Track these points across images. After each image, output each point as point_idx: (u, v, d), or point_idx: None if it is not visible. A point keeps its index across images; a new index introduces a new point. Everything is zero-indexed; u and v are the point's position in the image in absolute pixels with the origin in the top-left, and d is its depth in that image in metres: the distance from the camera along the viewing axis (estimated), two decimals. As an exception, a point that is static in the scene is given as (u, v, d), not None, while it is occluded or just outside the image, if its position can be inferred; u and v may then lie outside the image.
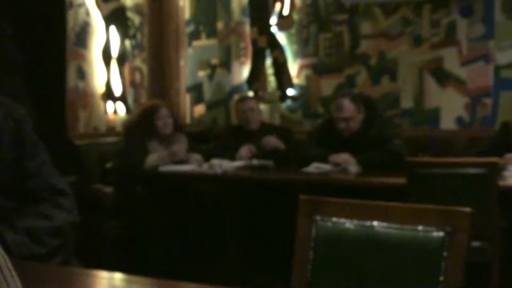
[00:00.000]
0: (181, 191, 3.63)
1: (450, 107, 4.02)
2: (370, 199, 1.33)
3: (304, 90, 4.52)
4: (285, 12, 4.52)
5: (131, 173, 3.56)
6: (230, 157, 3.60)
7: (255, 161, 3.56)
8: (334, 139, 3.43)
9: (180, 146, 3.68)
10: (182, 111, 4.93)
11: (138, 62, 4.82)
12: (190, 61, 4.99)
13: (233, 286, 1.11)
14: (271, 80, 4.64)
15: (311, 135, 3.69)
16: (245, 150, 3.68)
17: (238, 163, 3.54)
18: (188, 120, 4.95)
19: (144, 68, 4.85)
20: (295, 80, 4.54)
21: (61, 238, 1.42)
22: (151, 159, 3.54)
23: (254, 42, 4.63)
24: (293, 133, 3.97)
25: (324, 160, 3.31)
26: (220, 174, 3.32)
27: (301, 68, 4.53)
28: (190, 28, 4.97)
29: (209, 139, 4.38)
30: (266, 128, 3.88)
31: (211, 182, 3.51)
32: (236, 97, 4.43)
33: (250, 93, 4.68)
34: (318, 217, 1.32)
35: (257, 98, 4.53)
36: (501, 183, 2.65)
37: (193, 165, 3.55)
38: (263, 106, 4.62)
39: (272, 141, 3.70)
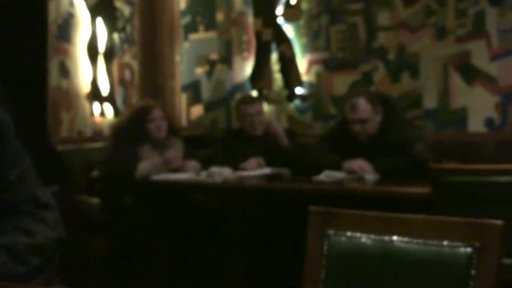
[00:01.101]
0: (177, 202, 3.64)
1: (479, 107, 4.01)
2: (389, 211, 1.33)
3: (314, 89, 4.52)
4: (293, 1, 4.53)
5: (121, 182, 3.57)
6: (231, 163, 3.60)
7: (267, 170, 3.56)
8: (349, 143, 3.43)
9: (175, 152, 3.69)
10: (178, 113, 4.94)
11: (128, 58, 4.83)
12: (186, 57, 5.00)
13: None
14: (277, 78, 4.64)
15: (323, 139, 3.68)
16: (252, 164, 3.68)
17: (247, 173, 3.55)
18: (184, 122, 4.96)
19: (135, 65, 4.86)
20: (304, 78, 4.54)
21: (44, 256, 1.42)
22: (143, 166, 3.55)
23: (258, 35, 4.64)
24: (300, 137, 3.98)
25: (337, 167, 3.31)
26: (220, 183, 3.32)
27: (311, 64, 4.53)
28: (186, 20, 4.99)
29: (207, 143, 4.38)
30: (270, 133, 3.88)
31: (210, 192, 3.52)
32: (239, 97, 4.43)
33: (254, 92, 4.68)
34: (330, 231, 1.33)
35: (262, 97, 4.54)
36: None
37: (190, 173, 3.55)
38: (268, 107, 4.62)
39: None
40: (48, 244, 1.42)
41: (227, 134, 4.19)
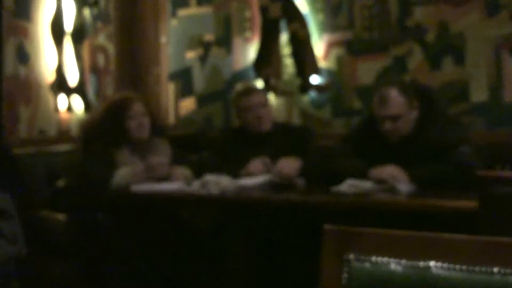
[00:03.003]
0: (163, 220, 3.64)
1: (540, 101, 4.02)
2: (426, 229, 1.33)
3: (334, 78, 4.52)
4: (307, -32, 4.55)
5: (92, 194, 3.57)
6: (230, 170, 3.60)
7: (276, 177, 3.57)
8: (377, 146, 3.43)
9: (161, 156, 3.69)
10: (164, 107, 4.95)
11: (101, 39, 4.84)
12: (174, 38, 5.01)
13: None
14: (288, 64, 4.65)
15: (344, 141, 3.69)
16: (256, 165, 3.68)
17: (249, 181, 3.54)
18: (171, 119, 4.97)
19: (111, 48, 4.87)
20: (322, 64, 4.55)
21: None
22: (121, 175, 3.55)
23: (264, 11, 4.65)
24: (317, 137, 3.98)
25: (363, 175, 3.31)
26: (217, 195, 3.31)
27: (330, 46, 4.54)
28: (175, -8, 5.02)
29: (201, 146, 4.38)
30: (280, 131, 3.88)
31: (204, 207, 3.51)
32: (239, 88, 4.44)
33: (259, 82, 4.68)
34: (351, 256, 1.32)
35: (269, 88, 4.54)
36: None
37: (179, 183, 3.55)
38: (276, 100, 4.62)
39: (288, 168, 3.66)
40: (5, 262, 1.41)
41: (225, 133, 4.19)
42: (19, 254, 1.46)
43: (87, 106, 4.63)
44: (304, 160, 3.65)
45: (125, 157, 3.67)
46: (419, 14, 4.29)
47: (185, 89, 4.98)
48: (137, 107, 3.73)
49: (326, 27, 4.55)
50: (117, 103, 3.78)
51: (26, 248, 1.48)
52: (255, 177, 3.60)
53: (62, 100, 4.52)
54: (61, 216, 3.69)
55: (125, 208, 3.60)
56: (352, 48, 4.47)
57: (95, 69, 4.81)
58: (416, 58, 4.30)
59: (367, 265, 1.31)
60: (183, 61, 4.98)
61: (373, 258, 1.31)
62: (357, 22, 4.46)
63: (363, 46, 4.44)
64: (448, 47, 4.22)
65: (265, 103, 3.89)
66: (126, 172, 3.57)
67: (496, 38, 4.11)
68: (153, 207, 3.60)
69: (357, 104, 4.44)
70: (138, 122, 3.70)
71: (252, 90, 4.03)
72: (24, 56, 4.31)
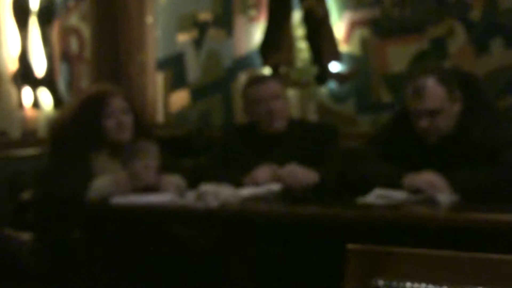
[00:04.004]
0: (150, 239, 3.64)
1: None
2: (472, 249, 1.32)
3: (358, 65, 4.52)
4: None
5: (64, 208, 3.57)
6: (233, 180, 3.60)
7: (279, 186, 3.58)
8: (411, 147, 3.44)
9: (147, 161, 3.69)
10: (150, 103, 4.95)
11: (74, 19, 4.85)
12: (162, 17, 5.01)
13: None
14: (302, 48, 4.64)
15: (372, 141, 3.69)
16: (262, 173, 3.68)
17: (255, 191, 3.55)
18: (160, 117, 4.97)
19: (85, 30, 4.88)
20: (343, 48, 4.55)
21: None
22: (99, 185, 3.56)
23: (272, -17, 4.66)
24: (341, 136, 3.98)
25: (394, 183, 3.31)
26: (216, 208, 3.32)
27: (353, 26, 4.54)
28: (163, -39, 5.02)
29: (197, 149, 4.39)
30: (297, 130, 3.88)
31: (201, 222, 3.51)
32: (246, 77, 4.44)
33: (266, 70, 4.68)
34: (380, 282, 1.33)
35: (280, 78, 4.53)
36: None
37: (169, 195, 3.56)
38: (288, 92, 4.62)
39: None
40: None
41: (227, 133, 4.21)
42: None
43: (57, 102, 4.64)
44: (323, 166, 3.65)
45: (104, 163, 3.67)
46: (462, -14, 4.30)
47: (176, 80, 4.98)
48: (118, 103, 3.73)
49: (348, 3, 4.55)
50: (94, 98, 3.78)
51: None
52: (261, 188, 3.60)
53: (26, 94, 4.52)
54: (26, 236, 3.69)
55: (105, 225, 3.61)
56: (380, 29, 4.48)
57: (66, 56, 4.82)
58: (458, 40, 4.30)
59: (400, 293, 1.31)
60: (174, 46, 4.98)
61: (408, 284, 1.31)
62: (386, -4, 4.48)
63: (393, 25, 4.45)
64: (497, 26, 4.22)
65: (278, 94, 3.87)
66: (105, 181, 3.58)
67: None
68: (138, 224, 3.60)
69: (386, 96, 4.44)
70: (118, 121, 3.70)
71: (264, 78, 4.03)
72: (-20, 41, 4.32)
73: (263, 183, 3.62)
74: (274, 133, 3.84)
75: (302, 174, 3.62)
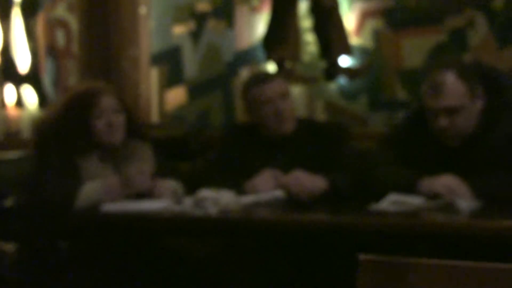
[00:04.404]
0: (145, 249, 3.64)
1: None
2: (495, 259, 1.32)
3: (370, 59, 4.51)
4: None
5: (51, 216, 3.57)
6: (234, 185, 3.60)
7: (283, 192, 3.58)
8: (429, 148, 3.44)
9: (141, 166, 3.69)
10: (144, 101, 4.94)
11: (60, 10, 4.84)
12: (157, 7, 5.01)
13: None
14: (309, 41, 4.64)
15: (385, 142, 3.68)
16: (265, 180, 3.68)
17: (258, 198, 3.55)
18: (155, 116, 4.97)
19: (73, 22, 4.87)
20: (354, 40, 4.54)
21: None
22: (88, 191, 3.56)
23: (277, -30, 4.66)
24: (353, 137, 3.99)
25: (410, 188, 3.30)
26: (216, 216, 3.31)
27: (365, 17, 4.54)
28: None
29: (194, 151, 4.38)
30: (305, 131, 3.89)
31: (199, 231, 3.50)
32: (249, 76, 4.43)
33: (270, 66, 4.67)
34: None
35: (283, 74, 4.52)
36: None
37: (165, 201, 3.55)
38: (294, 89, 4.62)
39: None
40: None
41: (228, 133, 4.19)
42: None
43: (43, 100, 4.63)
44: (333, 171, 3.65)
45: (94, 167, 3.67)
46: (483, -28, 4.30)
47: (172, 76, 4.98)
48: (108, 101, 3.73)
49: (360, -9, 4.56)
50: (82, 96, 3.77)
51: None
52: (264, 194, 3.60)
53: (9, 92, 4.51)
54: (9, 246, 3.69)
55: (95, 234, 3.60)
56: (394, 19, 4.48)
57: (52, 51, 4.82)
58: (479, 32, 4.29)
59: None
60: (170, 39, 4.98)
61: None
62: (401, -16, 4.47)
63: (408, 16, 4.45)
64: (523, 16, 4.22)
65: (287, 94, 3.88)
66: (95, 187, 3.57)
67: None
68: (131, 233, 3.59)
69: (401, 93, 4.44)
70: (109, 121, 3.69)
71: (269, 76, 4.02)
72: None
73: (266, 190, 3.61)
74: (281, 135, 3.84)
75: (309, 182, 3.61)
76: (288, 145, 3.83)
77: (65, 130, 3.69)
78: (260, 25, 4.76)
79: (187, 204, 3.43)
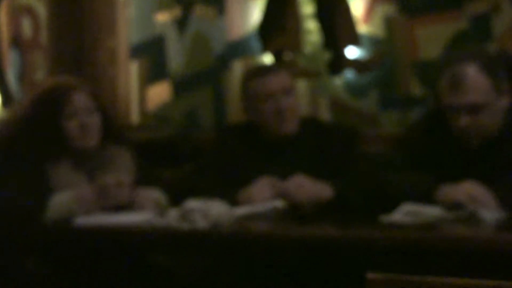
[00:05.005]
0: (125, 268, 3.63)
1: None
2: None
3: (381, 49, 4.52)
4: None
5: (17, 231, 3.55)
6: (226, 195, 3.59)
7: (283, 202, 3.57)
8: (448, 151, 3.45)
9: (119, 173, 3.68)
10: (123, 98, 4.94)
11: (27, -5, 4.85)
12: (138, -8, 5.01)
13: None
14: (311, 29, 4.64)
15: (399, 145, 3.69)
16: (262, 188, 3.68)
17: (253, 209, 3.55)
18: (135, 116, 4.97)
19: (41, 10, 4.87)
20: (362, 29, 4.54)
21: None
22: (59, 202, 3.55)
23: (274, -50, 4.66)
24: (362, 139, 4.00)
25: (428, 196, 3.30)
26: (205, 230, 3.30)
27: (375, 2, 4.55)
28: None
29: (181, 156, 4.38)
30: (309, 132, 3.90)
31: (187, 247, 3.49)
32: (241, 66, 4.42)
33: (266, 57, 4.67)
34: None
35: (284, 66, 4.52)
36: None
37: (147, 214, 3.54)
38: (296, 84, 4.61)
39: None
40: None
41: (221, 135, 4.20)
42: None
43: (7, 98, 4.63)
44: (341, 177, 3.64)
45: (65, 175, 3.67)
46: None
47: (155, 70, 4.98)
48: (81, 100, 3.73)
49: (368, -28, 4.56)
50: (51, 94, 3.77)
51: None
52: (261, 204, 3.59)
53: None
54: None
55: (67, 251, 3.59)
56: (408, 5, 4.48)
57: (17, 42, 4.81)
58: (505, 18, 4.30)
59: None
60: (152, 28, 4.98)
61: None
62: (415, -37, 4.47)
63: (424, 0, 4.42)
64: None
65: (291, 90, 3.89)
66: (67, 198, 3.57)
67: None
68: (109, 250, 3.59)
69: (416, 89, 4.45)
70: (83, 123, 3.69)
71: (271, 68, 4.03)
72: None
73: (262, 201, 3.60)
74: (282, 137, 3.84)
75: (313, 189, 3.61)
76: (289, 149, 3.84)
77: (32, 133, 3.69)
78: (254, 11, 4.77)
79: (173, 216, 3.42)
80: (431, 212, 3.25)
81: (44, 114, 3.69)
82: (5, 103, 4.58)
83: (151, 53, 4.99)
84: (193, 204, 3.42)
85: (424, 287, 1.36)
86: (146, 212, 3.56)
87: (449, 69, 3.44)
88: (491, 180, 3.26)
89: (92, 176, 3.68)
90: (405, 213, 3.24)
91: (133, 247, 3.62)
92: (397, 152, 3.64)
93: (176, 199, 3.61)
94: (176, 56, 4.94)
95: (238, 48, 4.82)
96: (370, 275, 1.40)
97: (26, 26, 4.86)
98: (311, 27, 4.65)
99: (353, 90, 4.59)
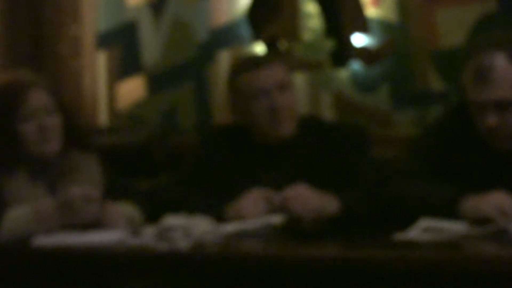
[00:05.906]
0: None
1: None
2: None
3: (394, 36, 4.54)
4: None
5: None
6: (212, 209, 3.62)
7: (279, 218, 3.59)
8: (473, 156, 3.47)
9: (85, 185, 3.69)
10: (89, 97, 4.95)
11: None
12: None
13: None
14: (311, 13, 4.66)
15: (416, 148, 3.70)
16: (253, 201, 3.70)
17: (244, 224, 3.58)
18: (103, 117, 4.98)
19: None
20: (371, 12, 4.57)
21: None
22: (15, 218, 3.58)
23: None
24: (372, 142, 4.03)
25: (450, 209, 3.32)
26: (187, 251, 3.32)
27: (386, -19, 4.57)
28: None
29: (157, 164, 4.40)
30: (309, 135, 3.93)
31: (165, 271, 3.51)
32: (228, 56, 4.46)
33: (258, 47, 4.70)
34: None
35: (279, 57, 4.55)
36: None
37: (119, 232, 3.56)
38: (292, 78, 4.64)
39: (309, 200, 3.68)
40: None
41: (205, 138, 4.21)
42: None
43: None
44: (348, 185, 3.67)
45: (21, 187, 3.69)
46: None
47: (126, 63, 5.00)
48: (39, 99, 3.74)
49: None
50: (4, 92, 3.78)
51: None
52: (253, 220, 3.62)
53: None
54: None
55: (24, 276, 3.61)
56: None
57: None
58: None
59: None
60: (123, 13, 5.00)
61: None
62: None
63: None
64: None
65: (287, 84, 3.91)
66: (24, 214, 3.59)
67: None
68: (74, 274, 3.60)
69: (435, 83, 4.46)
70: (41, 125, 3.70)
71: (264, 60, 4.03)
72: None
73: (254, 216, 3.62)
74: (277, 140, 3.86)
75: (316, 201, 3.63)
76: (286, 154, 3.87)
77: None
78: (244, -7, 4.80)
79: (148, 235, 3.45)
80: (454, 228, 3.27)
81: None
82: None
83: (122, 43, 5.01)
84: (172, 220, 3.45)
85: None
86: (117, 230, 3.57)
87: (474, 59, 3.47)
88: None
89: (53, 188, 3.70)
90: (424, 229, 3.25)
91: (102, 271, 3.63)
92: (413, 157, 3.65)
93: (152, 215, 3.64)
94: (151, 46, 4.96)
95: (224, 36, 4.84)
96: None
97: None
98: (311, 11, 4.67)
99: (361, 85, 4.61)
